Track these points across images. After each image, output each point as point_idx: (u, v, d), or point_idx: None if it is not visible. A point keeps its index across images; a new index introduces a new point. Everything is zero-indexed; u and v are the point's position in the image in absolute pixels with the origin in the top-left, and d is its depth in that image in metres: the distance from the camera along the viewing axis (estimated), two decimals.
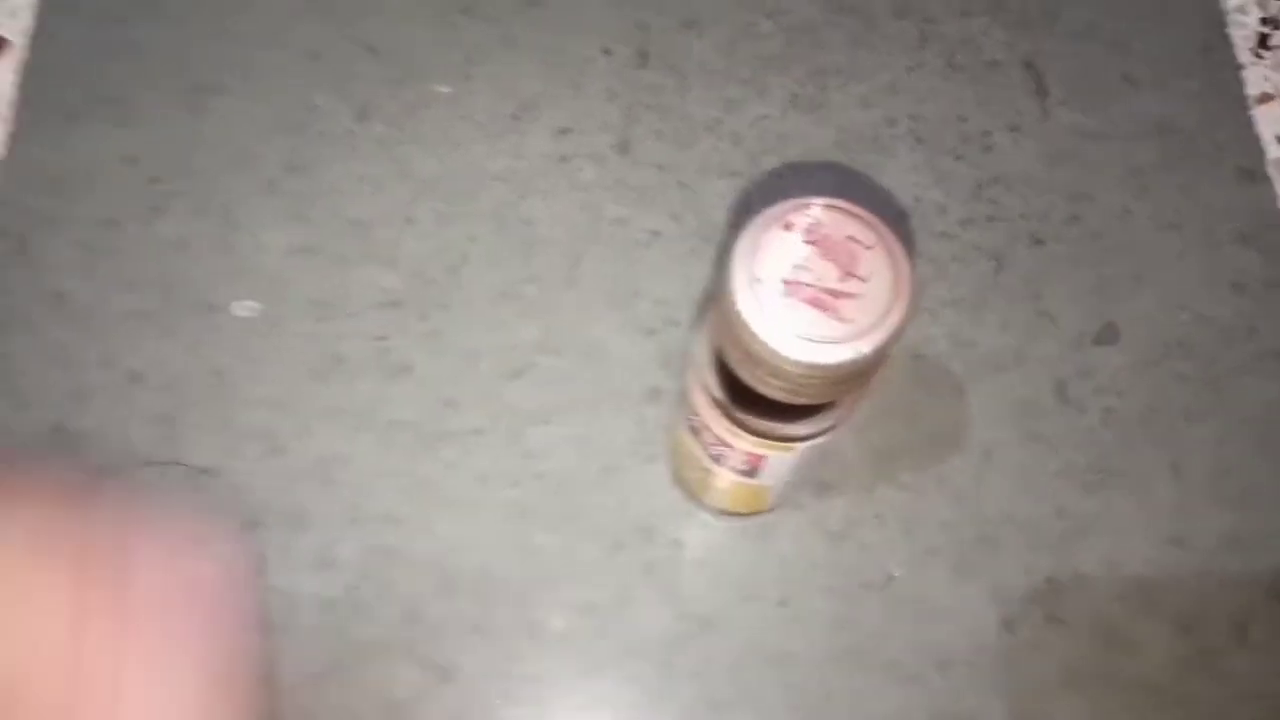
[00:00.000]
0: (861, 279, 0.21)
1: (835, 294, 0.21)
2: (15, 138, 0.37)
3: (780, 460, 0.26)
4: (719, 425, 0.26)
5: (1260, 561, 0.34)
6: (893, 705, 0.32)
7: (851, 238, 0.22)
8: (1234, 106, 0.41)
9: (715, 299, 0.23)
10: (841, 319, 0.21)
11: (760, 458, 0.26)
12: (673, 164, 0.38)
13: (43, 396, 0.34)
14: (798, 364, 0.21)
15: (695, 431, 0.28)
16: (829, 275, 0.21)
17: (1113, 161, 0.39)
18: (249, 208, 0.36)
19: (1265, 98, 0.42)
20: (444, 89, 0.39)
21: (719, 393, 0.25)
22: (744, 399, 0.24)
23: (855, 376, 0.22)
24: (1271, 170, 0.40)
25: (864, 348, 0.21)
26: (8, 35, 0.39)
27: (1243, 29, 0.43)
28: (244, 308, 0.35)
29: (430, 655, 0.31)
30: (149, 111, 0.38)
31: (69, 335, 0.34)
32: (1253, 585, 0.34)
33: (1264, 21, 0.43)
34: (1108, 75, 0.41)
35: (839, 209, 0.22)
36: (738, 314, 0.21)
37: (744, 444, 0.26)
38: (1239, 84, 0.42)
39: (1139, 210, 0.39)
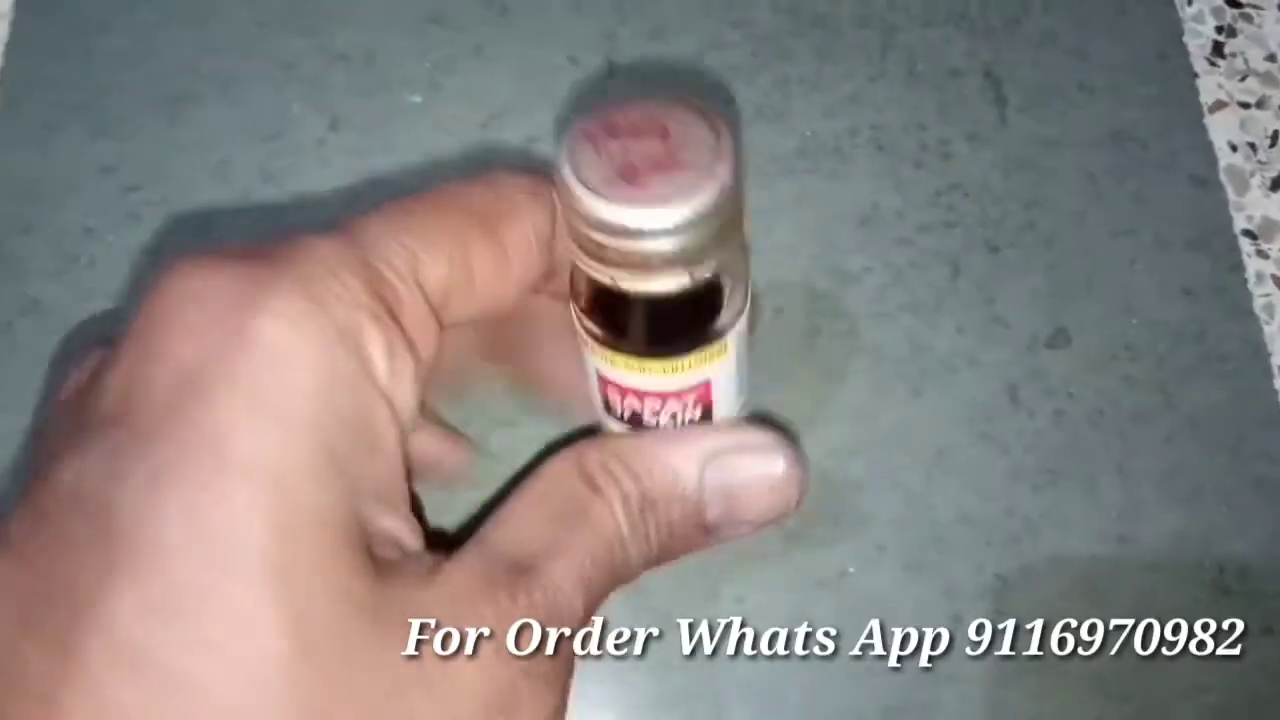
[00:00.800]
0: (680, 154, 0.22)
1: (660, 165, 0.22)
2: None
3: (724, 374, 0.26)
4: (640, 378, 0.25)
5: (1205, 557, 0.35)
6: (846, 700, 0.33)
7: (672, 120, 0.22)
8: (1189, 114, 0.42)
9: (561, 218, 0.23)
10: (670, 181, 0.21)
11: (706, 387, 0.25)
12: None
13: (19, 401, 0.35)
14: (634, 230, 0.21)
15: (637, 419, 0.27)
16: (652, 152, 0.22)
17: (1068, 169, 0.41)
18: (224, 217, 0.37)
19: (1219, 105, 0.43)
20: (415, 98, 0.40)
21: (641, 342, 0.25)
22: (650, 335, 0.24)
23: (704, 239, 0.22)
24: (1224, 177, 0.41)
25: (691, 208, 0.21)
26: None
27: (1198, 37, 0.44)
28: None
29: None
30: (126, 121, 0.39)
31: (46, 343, 0.35)
32: (1197, 581, 0.35)
33: (1219, 30, 0.44)
34: (1065, 83, 0.42)
35: (660, 102, 0.23)
36: (573, 200, 0.22)
37: (682, 376, 0.25)
38: (1194, 92, 0.43)
39: (1093, 217, 0.40)
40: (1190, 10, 0.44)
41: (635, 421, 0.26)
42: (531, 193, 0.25)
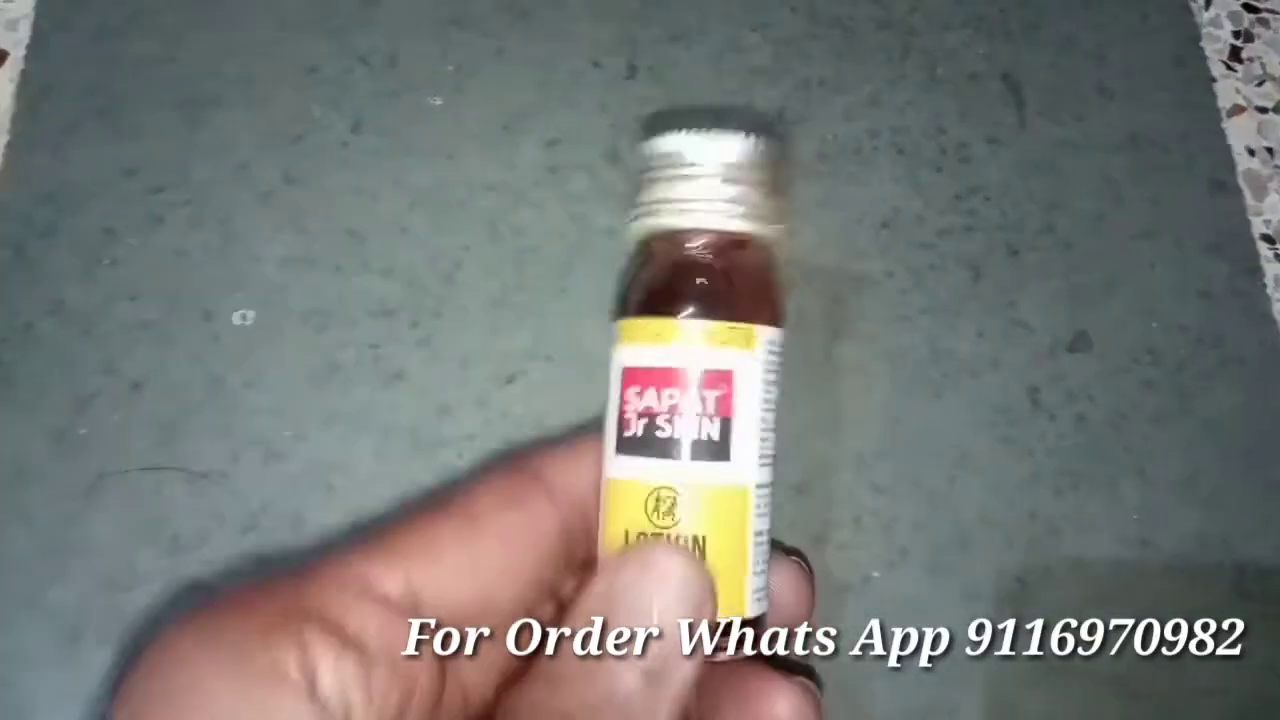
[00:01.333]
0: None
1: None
2: (14, 149, 0.38)
3: (748, 379, 0.25)
4: (666, 349, 0.26)
5: (1225, 561, 0.35)
6: (869, 701, 0.33)
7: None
8: (1207, 118, 0.42)
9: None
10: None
11: (725, 377, 0.25)
12: None
13: (44, 403, 0.35)
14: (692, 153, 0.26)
15: (652, 429, 0.26)
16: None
17: (1087, 172, 0.41)
18: (246, 218, 0.37)
19: (1237, 110, 0.43)
20: (437, 101, 0.40)
21: (681, 298, 0.26)
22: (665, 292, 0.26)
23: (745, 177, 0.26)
24: (1242, 181, 0.41)
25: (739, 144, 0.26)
26: (6, 47, 0.40)
27: (1216, 42, 0.44)
28: (242, 316, 0.36)
29: None
30: (147, 123, 0.39)
31: (70, 343, 0.35)
32: (1218, 585, 0.35)
33: (1236, 34, 0.44)
34: (1084, 87, 0.42)
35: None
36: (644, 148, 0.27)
37: (706, 348, 0.25)
38: (1212, 96, 0.43)
39: (1112, 220, 0.40)
40: (1208, 15, 0.44)
41: (649, 434, 0.25)
42: (521, 482, 0.25)
